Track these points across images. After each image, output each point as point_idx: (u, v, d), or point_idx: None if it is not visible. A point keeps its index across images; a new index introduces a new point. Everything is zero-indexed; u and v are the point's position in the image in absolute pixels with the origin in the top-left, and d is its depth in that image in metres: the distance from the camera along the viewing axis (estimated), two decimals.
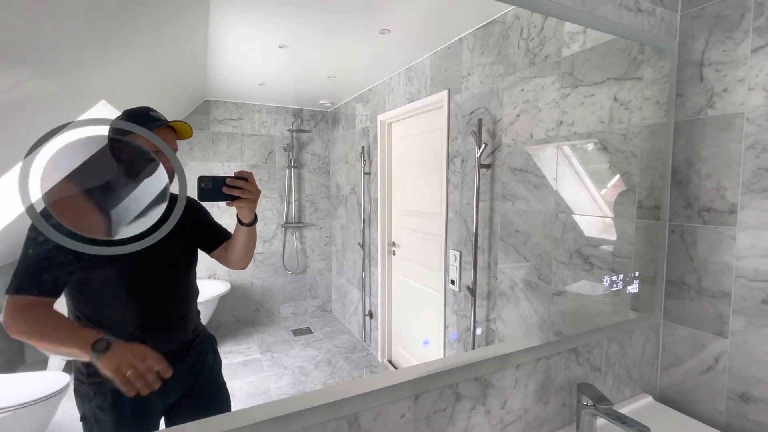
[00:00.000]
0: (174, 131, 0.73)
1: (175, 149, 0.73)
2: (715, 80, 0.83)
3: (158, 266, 0.76)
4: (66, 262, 0.64)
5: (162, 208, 0.44)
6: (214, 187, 0.66)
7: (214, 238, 0.87)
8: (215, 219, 0.96)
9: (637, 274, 0.94)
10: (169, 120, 0.73)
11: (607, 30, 0.83)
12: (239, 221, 0.79)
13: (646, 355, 0.94)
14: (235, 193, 0.68)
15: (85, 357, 0.64)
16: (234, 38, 1.62)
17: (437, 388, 0.63)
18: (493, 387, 0.70)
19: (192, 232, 0.83)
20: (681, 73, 0.89)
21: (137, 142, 0.70)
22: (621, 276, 0.94)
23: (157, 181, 0.43)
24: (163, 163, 0.72)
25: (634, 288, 0.93)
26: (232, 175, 0.68)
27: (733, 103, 0.81)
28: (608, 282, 0.93)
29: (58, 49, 0.92)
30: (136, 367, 0.63)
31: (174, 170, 0.74)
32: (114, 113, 0.84)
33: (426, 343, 0.75)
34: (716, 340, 0.85)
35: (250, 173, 0.70)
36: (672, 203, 0.92)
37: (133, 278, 0.73)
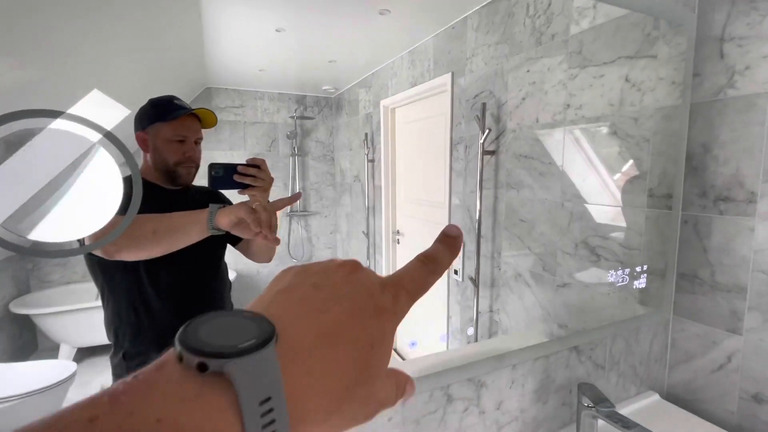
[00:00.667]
0: (198, 119, 0.71)
1: (200, 138, 0.72)
2: (737, 57, 0.76)
3: (192, 259, 0.75)
4: None
5: (113, 196, 0.41)
6: (225, 175, 0.64)
7: None
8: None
9: (645, 267, 0.88)
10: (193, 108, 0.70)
11: (619, 3, 0.76)
12: None
13: (654, 352, 0.89)
14: (247, 181, 0.66)
15: (203, 228, 0.62)
16: (228, 21, 1.56)
17: (427, 390, 0.60)
18: (487, 387, 0.66)
19: None
20: (699, 50, 0.82)
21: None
22: (627, 270, 0.88)
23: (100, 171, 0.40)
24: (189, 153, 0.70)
25: (641, 283, 0.88)
26: (244, 162, 0.66)
27: (756, 82, 0.73)
28: (613, 277, 0.88)
29: (41, 35, 0.89)
30: (261, 209, 0.62)
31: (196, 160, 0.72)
32: (108, 102, 0.81)
33: (413, 344, 0.71)
34: (729, 338, 0.80)
35: (263, 160, 0.68)
36: (686, 191, 0.86)
37: (170, 270, 0.72)
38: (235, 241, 0.84)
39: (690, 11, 0.81)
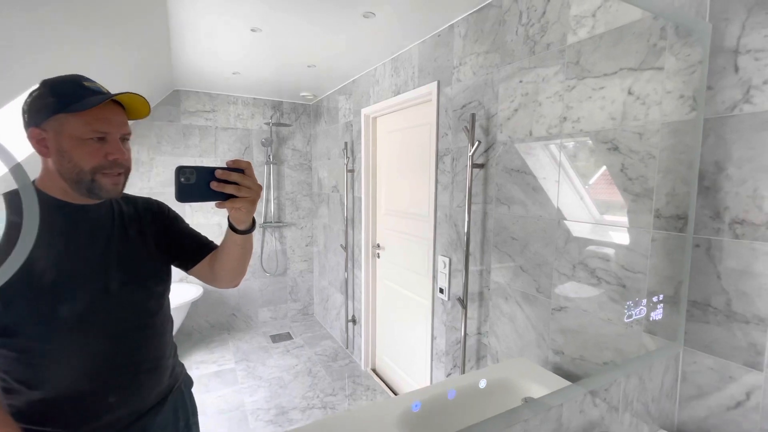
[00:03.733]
0: (122, 109, 0.53)
1: (128, 133, 0.54)
2: (753, 70, 0.71)
3: (118, 296, 0.57)
4: None
5: None
6: (199, 182, 0.48)
7: (193, 252, 0.68)
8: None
9: (661, 297, 0.81)
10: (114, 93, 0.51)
11: (637, 3, 0.69)
12: (232, 227, 0.59)
13: (665, 387, 0.82)
14: (229, 190, 0.50)
15: None
16: (199, 18, 1.43)
17: None
18: None
19: (160, 245, 0.64)
20: (711, 63, 0.77)
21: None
22: (643, 301, 0.81)
23: None
24: (113, 153, 0.51)
25: (657, 314, 0.81)
26: (223, 166, 0.50)
27: None
28: (631, 309, 0.80)
29: None
30: None
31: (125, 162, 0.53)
32: None
33: (416, 406, 0.59)
34: (748, 373, 0.74)
35: (248, 163, 0.52)
36: (697, 213, 0.80)
37: (83, 316, 0.53)
38: (188, 265, 0.68)
39: (702, 20, 0.76)
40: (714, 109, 0.77)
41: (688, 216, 0.80)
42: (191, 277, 0.71)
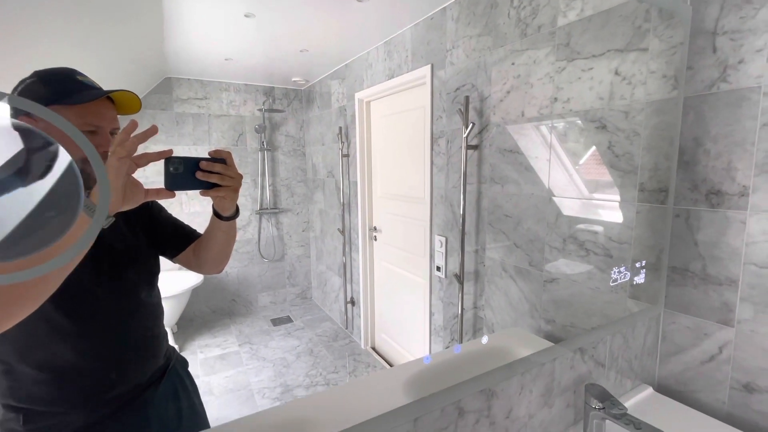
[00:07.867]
0: (113, 104, 0.56)
1: (117, 128, 0.56)
2: (729, 51, 0.76)
3: (110, 284, 0.62)
4: None
5: (71, 218, 0.31)
6: (186, 172, 0.52)
7: (178, 240, 0.72)
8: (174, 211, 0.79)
9: (644, 263, 0.88)
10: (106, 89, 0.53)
11: None
12: (216, 214, 0.64)
13: (647, 346, 0.89)
14: (213, 179, 0.54)
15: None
16: (193, 4, 1.43)
17: (439, 407, 0.55)
18: (497, 396, 0.63)
19: (148, 234, 0.68)
20: (691, 44, 0.82)
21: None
22: (627, 266, 0.88)
23: (61, 180, 0.30)
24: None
25: (640, 278, 0.88)
26: (206, 156, 0.54)
27: (749, 76, 0.74)
28: (615, 273, 0.87)
29: None
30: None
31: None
32: None
33: (428, 359, 0.66)
34: (721, 329, 0.81)
35: (229, 153, 0.56)
36: (677, 185, 0.86)
37: (78, 303, 0.57)
38: (173, 253, 0.72)
39: (684, 2, 0.81)
40: (693, 87, 0.82)
41: (669, 189, 0.87)
42: None
